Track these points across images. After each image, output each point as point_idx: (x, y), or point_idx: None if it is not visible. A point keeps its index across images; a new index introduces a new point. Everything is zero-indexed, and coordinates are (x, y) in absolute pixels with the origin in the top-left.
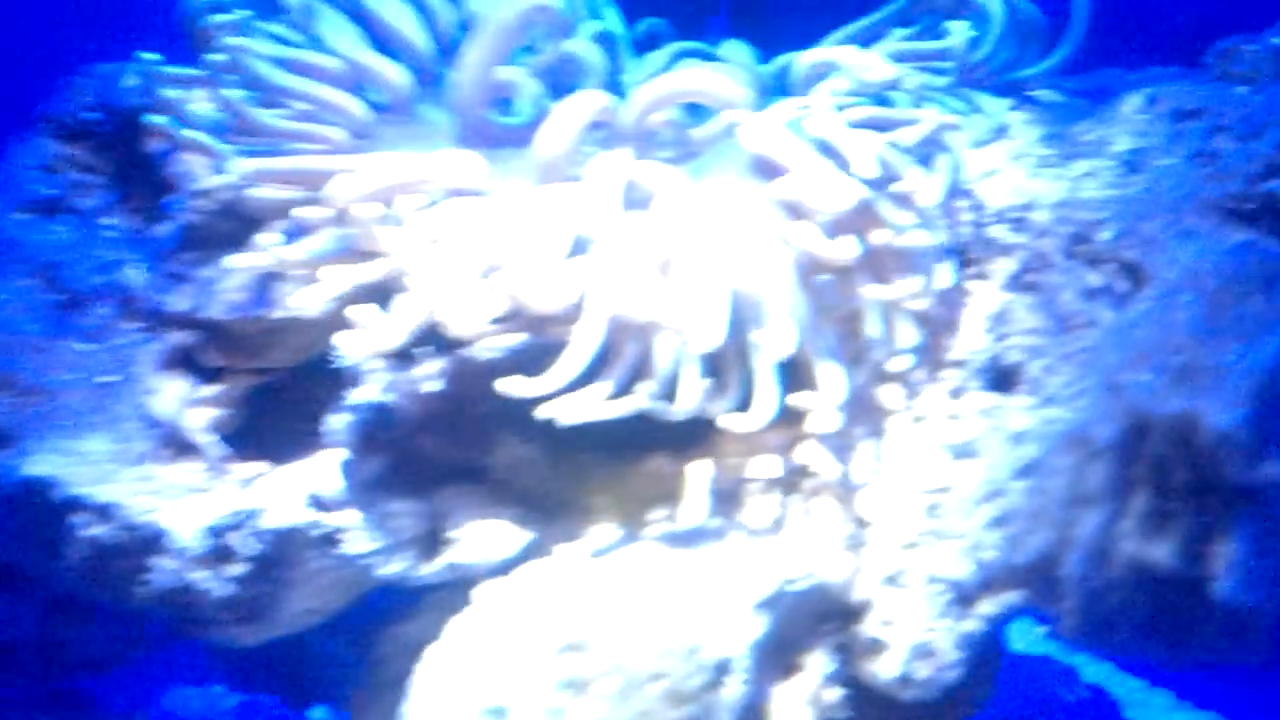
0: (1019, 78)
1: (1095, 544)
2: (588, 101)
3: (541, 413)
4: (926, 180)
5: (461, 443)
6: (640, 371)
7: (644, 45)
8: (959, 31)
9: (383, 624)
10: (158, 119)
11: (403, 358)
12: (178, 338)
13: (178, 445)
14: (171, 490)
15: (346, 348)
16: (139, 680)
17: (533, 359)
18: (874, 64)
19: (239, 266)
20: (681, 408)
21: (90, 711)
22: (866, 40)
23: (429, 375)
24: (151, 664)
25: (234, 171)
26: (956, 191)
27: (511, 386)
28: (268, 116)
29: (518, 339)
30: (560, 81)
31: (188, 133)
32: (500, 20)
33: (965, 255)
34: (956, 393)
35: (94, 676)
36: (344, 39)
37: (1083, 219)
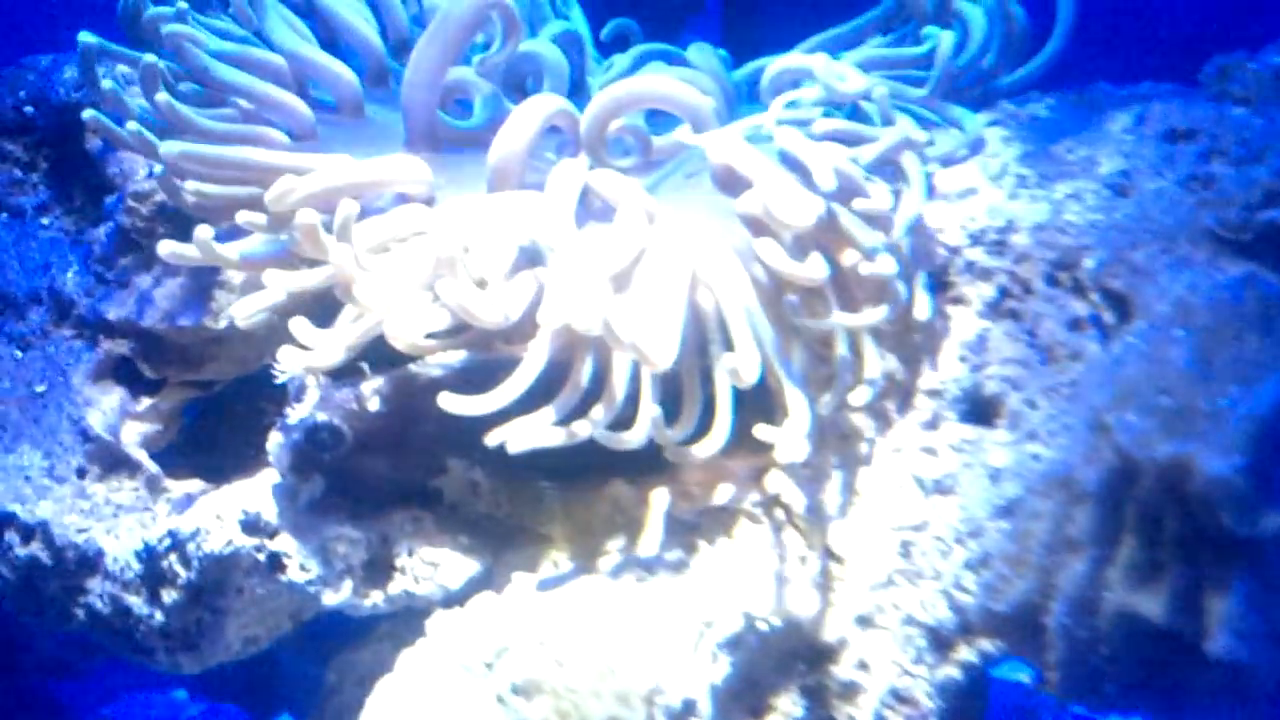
0: (999, 89)
1: (1081, 593)
2: (543, 105)
3: (490, 440)
4: (897, 198)
5: (408, 465)
6: (593, 393)
7: (614, 46)
8: (938, 39)
9: (333, 649)
10: (91, 114)
11: (345, 373)
12: (114, 346)
13: (112, 460)
14: (106, 508)
15: (286, 362)
16: (100, 684)
17: (480, 377)
18: (845, 73)
19: (171, 259)
20: (634, 436)
21: (52, 714)
22: (844, 46)
23: (371, 393)
24: (113, 669)
25: (165, 155)
26: (926, 211)
27: (455, 403)
28: (203, 117)
29: (464, 355)
30: (519, 82)
31: (132, 125)
32: (453, 16)
33: (940, 278)
34: (931, 424)
35: (54, 679)
36: (289, 35)
37: (1066, 244)
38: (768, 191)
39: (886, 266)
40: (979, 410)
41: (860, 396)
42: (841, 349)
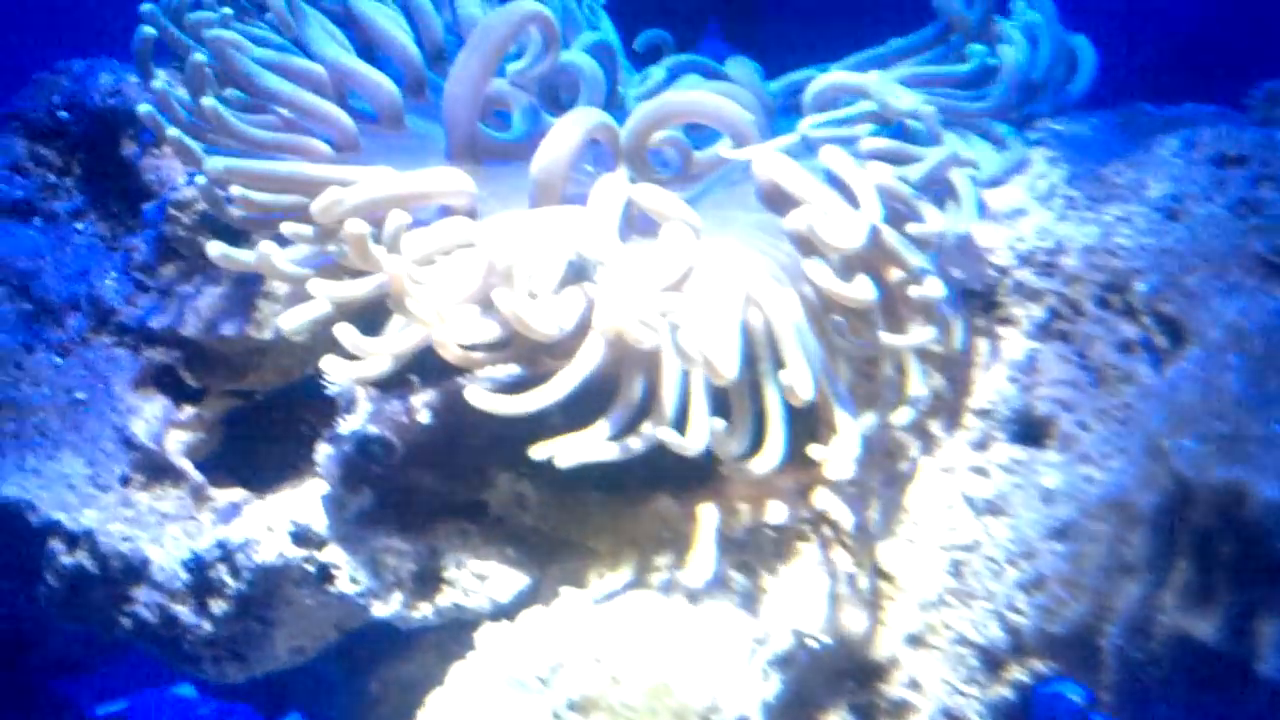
0: (1039, 110)
1: (1135, 616)
2: (585, 119)
3: (536, 453)
4: (945, 218)
5: (456, 477)
6: (644, 408)
7: (644, 56)
8: (981, 59)
9: (374, 659)
10: (148, 109)
11: (394, 385)
12: (156, 355)
13: (156, 468)
14: (151, 517)
15: (333, 373)
16: (110, 682)
17: (530, 388)
18: (897, 90)
19: (222, 263)
20: (694, 443)
21: (61, 712)
22: (882, 66)
23: (421, 405)
24: (119, 666)
25: (211, 170)
26: (975, 231)
27: (493, 401)
28: (249, 128)
29: (513, 370)
30: (555, 93)
31: (173, 132)
32: (493, 28)
33: (988, 298)
34: (981, 443)
35: (61, 677)
36: (330, 44)
37: (1117, 267)
38: (815, 213)
39: (934, 290)
40: (1029, 431)
41: (903, 416)
42: (886, 368)
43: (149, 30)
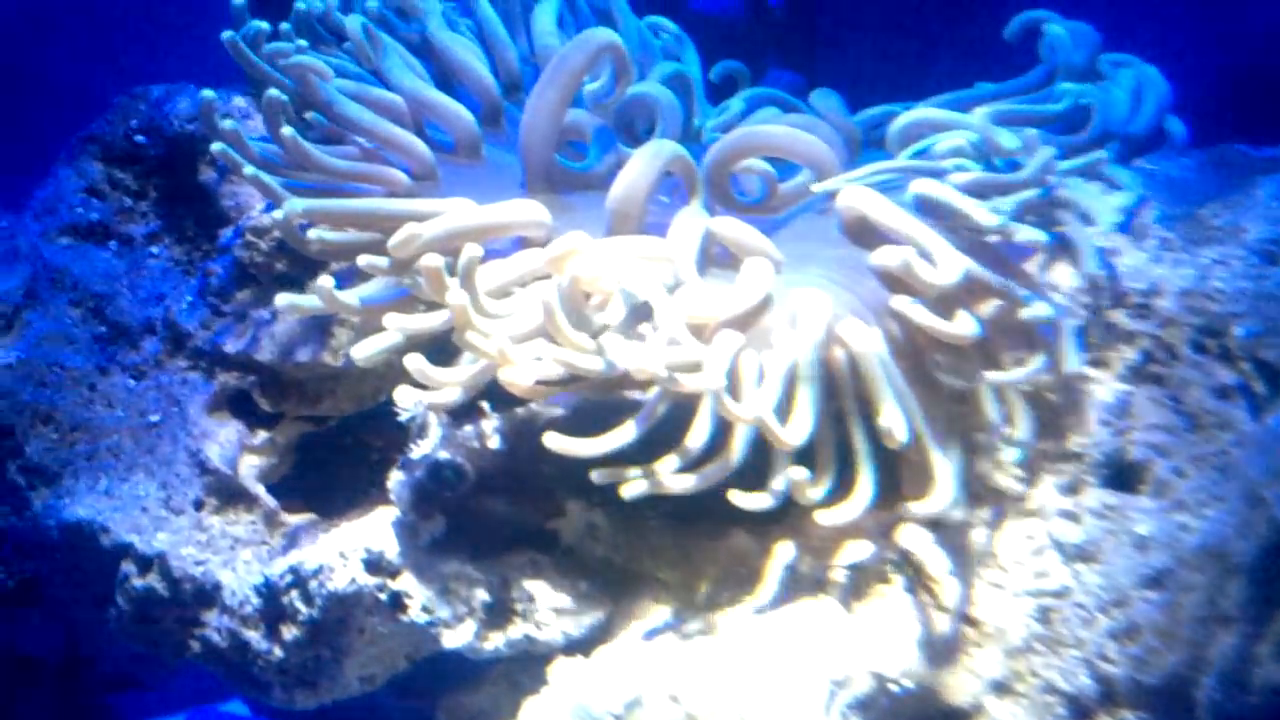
0: (1137, 148)
1: (1232, 667)
2: (662, 151)
3: (598, 478)
4: (1070, 257)
5: (527, 505)
6: (718, 441)
7: (720, 87)
8: (1074, 97)
9: (441, 688)
10: (220, 147)
11: (465, 411)
12: (230, 379)
13: (229, 493)
14: (223, 541)
15: (405, 401)
16: (164, 699)
17: (600, 416)
18: (998, 130)
19: (288, 312)
20: (763, 502)
21: None
22: (974, 102)
23: (492, 431)
24: (172, 683)
25: (290, 212)
26: (1065, 272)
27: (563, 444)
28: (329, 158)
29: (583, 396)
30: (631, 124)
31: (249, 169)
32: (569, 60)
33: (1082, 339)
34: (1071, 487)
35: (116, 693)
36: (408, 74)
37: (1214, 310)
38: (908, 251)
39: (1043, 309)
40: (1122, 476)
41: (1010, 452)
42: (989, 409)
43: (209, 93)
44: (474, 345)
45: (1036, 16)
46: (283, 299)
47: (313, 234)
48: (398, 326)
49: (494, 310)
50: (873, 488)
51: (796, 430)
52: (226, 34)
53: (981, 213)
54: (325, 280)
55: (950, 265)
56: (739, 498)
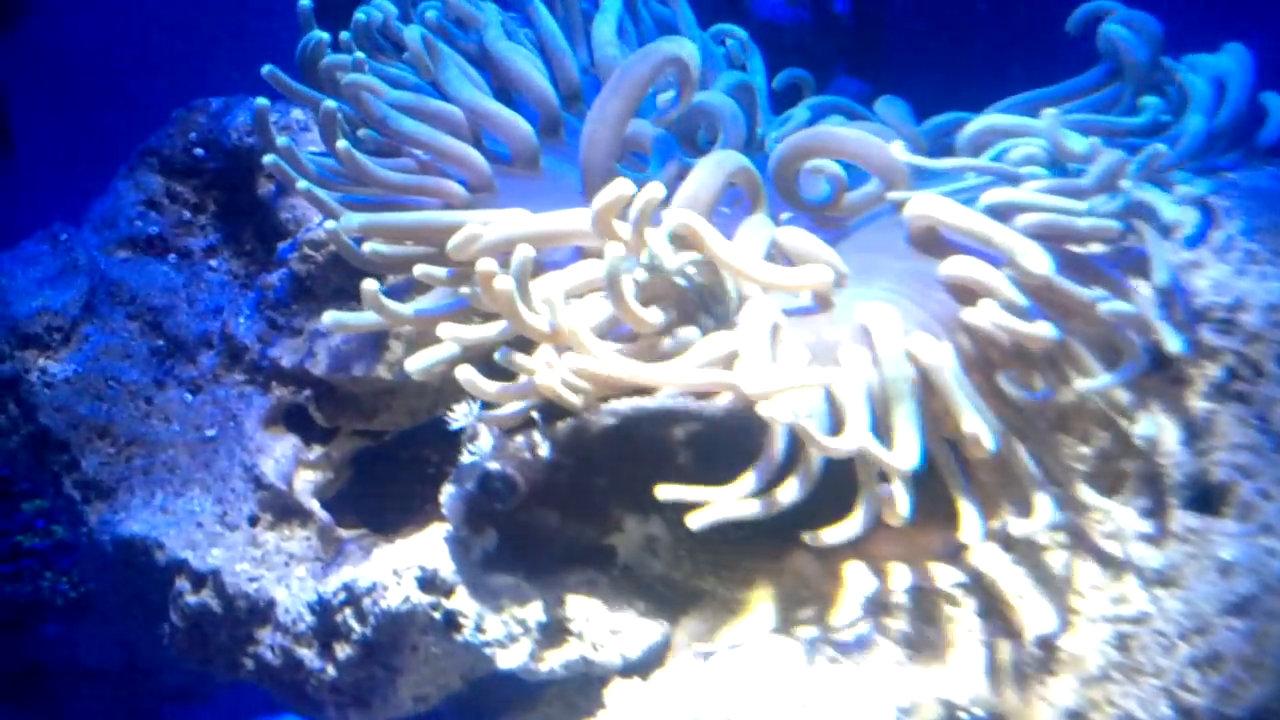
0: (1216, 159)
1: None
2: (726, 162)
3: (665, 494)
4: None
5: (581, 519)
6: (788, 465)
7: (784, 96)
8: (1155, 112)
9: (495, 710)
10: (273, 159)
11: (519, 424)
12: (286, 393)
13: (284, 508)
14: (277, 557)
15: (460, 414)
16: (222, 711)
17: (653, 424)
18: (1066, 134)
19: (335, 329)
20: (852, 529)
21: None
22: (1039, 104)
23: (543, 440)
24: (232, 696)
25: (344, 226)
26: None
27: (676, 493)
28: (385, 171)
29: (635, 403)
30: (693, 134)
31: (303, 184)
32: (632, 72)
33: (1160, 356)
34: (1151, 509)
35: (175, 705)
36: (466, 86)
37: None
38: (1010, 245)
39: (1124, 307)
40: (1205, 498)
41: (1087, 469)
42: (1088, 428)
43: (263, 102)
44: (539, 354)
45: (1100, 7)
46: (329, 317)
47: (367, 247)
48: (452, 335)
49: (556, 319)
50: (977, 508)
51: (906, 453)
52: (266, 68)
53: (1063, 203)
54: (369, 284)
55: (1041, 256)
56: (827, 534)
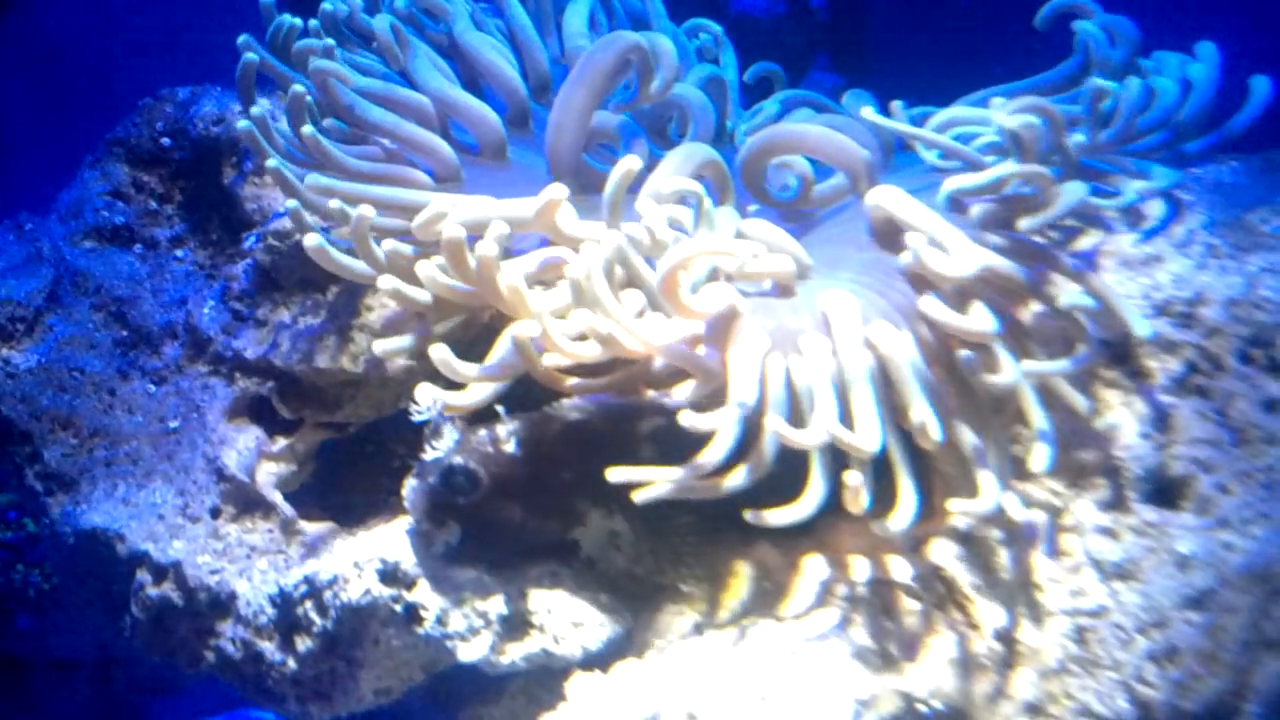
0: (1185, 154)
1: (1278, 694)
2: (692, 154)
3: (615, 477)
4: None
5: (544, 513)
6: (744, 447)
7: (756, 89)
8: (1112, 94)
9: (459, 702)
10: (247, 125)
11: (480, 415)
12: (250, 385)
13: (247, 500)
14: (239, 549)
15: (423, 400)
16: (199, 703)
17: (619, 420)
18: (1004, 114)
19: (316, 256)
20: (804, 510)
21: None
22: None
23: (506, 435)
24: (213, 688)
25: (310, 185)
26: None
27: (622, 475)
28: (350, 159)
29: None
30: (661, 126)
31: (271, 162)
32: (596, 61)
33: (1120, 349)
34: (1109, 503)
35: (150, 696)
36: (435, 75)
37: (1262, 320)
38: (923, 238)
39: (1081, 298)
40: (1163, 491)
41: (1038, 465)
42: (1035, 415)
43: (251, 56)
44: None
45: (1071, 5)
46: (311, 239)
47: (333, 205)
48: (427, 275)
49: (519, 306)
50: (916, 497)
51: (868, 435)
52: (242, 36)
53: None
54: (366, 209)
55: (967, 257)
56: (772, 515)
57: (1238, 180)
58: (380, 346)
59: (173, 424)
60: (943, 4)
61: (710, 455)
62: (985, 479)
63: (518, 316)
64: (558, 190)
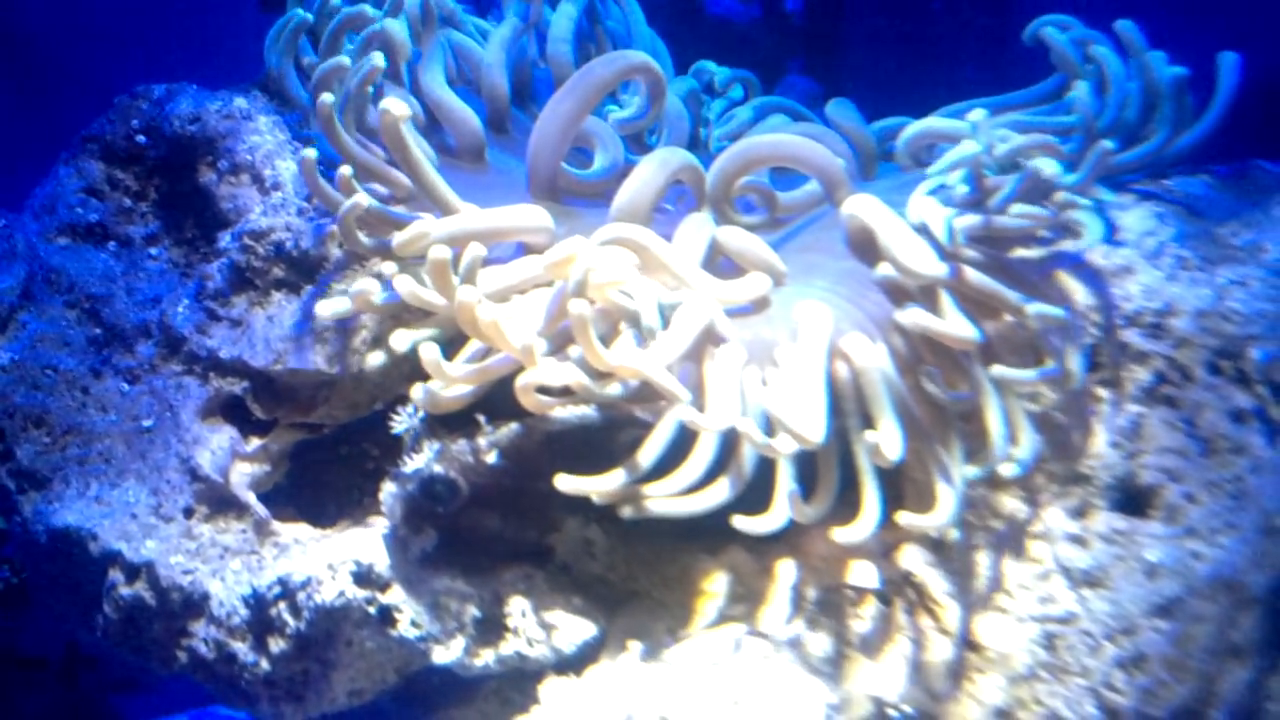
0: (1165, 162)
1: (1244, 702)
2: (669, 159)
3: (597, 497)
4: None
5: (522, 520)
6: (722, 458)
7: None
8: (1086, 104)
9: (433, 704)
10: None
11: (460, 425)
12: (224, 385)
13: (220, 501)
14: (212, 550)
15: (403, 417)
16: (167, 700)
17: (597, 432)
18: (1005, 135)
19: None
20: (773, 523)
21: None
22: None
23: (487, 445)
24: (181, 685)
25: (320, 104)
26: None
27: (571, 484)
28: (350, 140)
29: (584, 410)
30: (636, 133)
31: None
32: (594, 76)
33: (1090, 359)
34: (1078, 510)
35: (118, 694)
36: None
37: (1230, 332)
38: (896, 240)
39: (1050, 310)
40: (1132, 500)
41: (1008, 470)
42: (995, 423)
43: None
44: (501, 337)
45: (1053, 21)
46: (309, 152)
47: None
48: (409, 290)
49: (496, 315)
50: (880, 506)
51: (812, 425)
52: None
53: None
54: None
55: (933, 259)
56: (742, 522)
57: (1208, 193)
58: (355, 351)
59: (146, 423)
60: (916, 8)
61: (688, 473)
62: (944, 492)
63: (498, 350)
64: (574, 245)
